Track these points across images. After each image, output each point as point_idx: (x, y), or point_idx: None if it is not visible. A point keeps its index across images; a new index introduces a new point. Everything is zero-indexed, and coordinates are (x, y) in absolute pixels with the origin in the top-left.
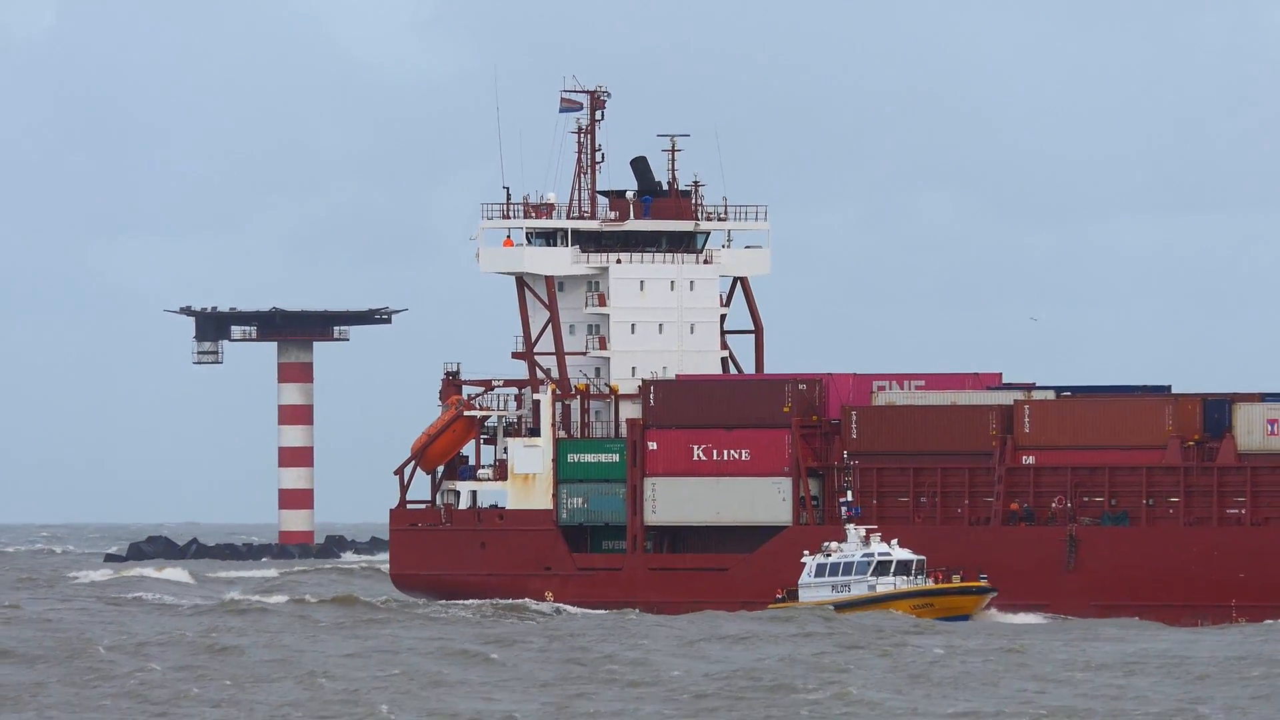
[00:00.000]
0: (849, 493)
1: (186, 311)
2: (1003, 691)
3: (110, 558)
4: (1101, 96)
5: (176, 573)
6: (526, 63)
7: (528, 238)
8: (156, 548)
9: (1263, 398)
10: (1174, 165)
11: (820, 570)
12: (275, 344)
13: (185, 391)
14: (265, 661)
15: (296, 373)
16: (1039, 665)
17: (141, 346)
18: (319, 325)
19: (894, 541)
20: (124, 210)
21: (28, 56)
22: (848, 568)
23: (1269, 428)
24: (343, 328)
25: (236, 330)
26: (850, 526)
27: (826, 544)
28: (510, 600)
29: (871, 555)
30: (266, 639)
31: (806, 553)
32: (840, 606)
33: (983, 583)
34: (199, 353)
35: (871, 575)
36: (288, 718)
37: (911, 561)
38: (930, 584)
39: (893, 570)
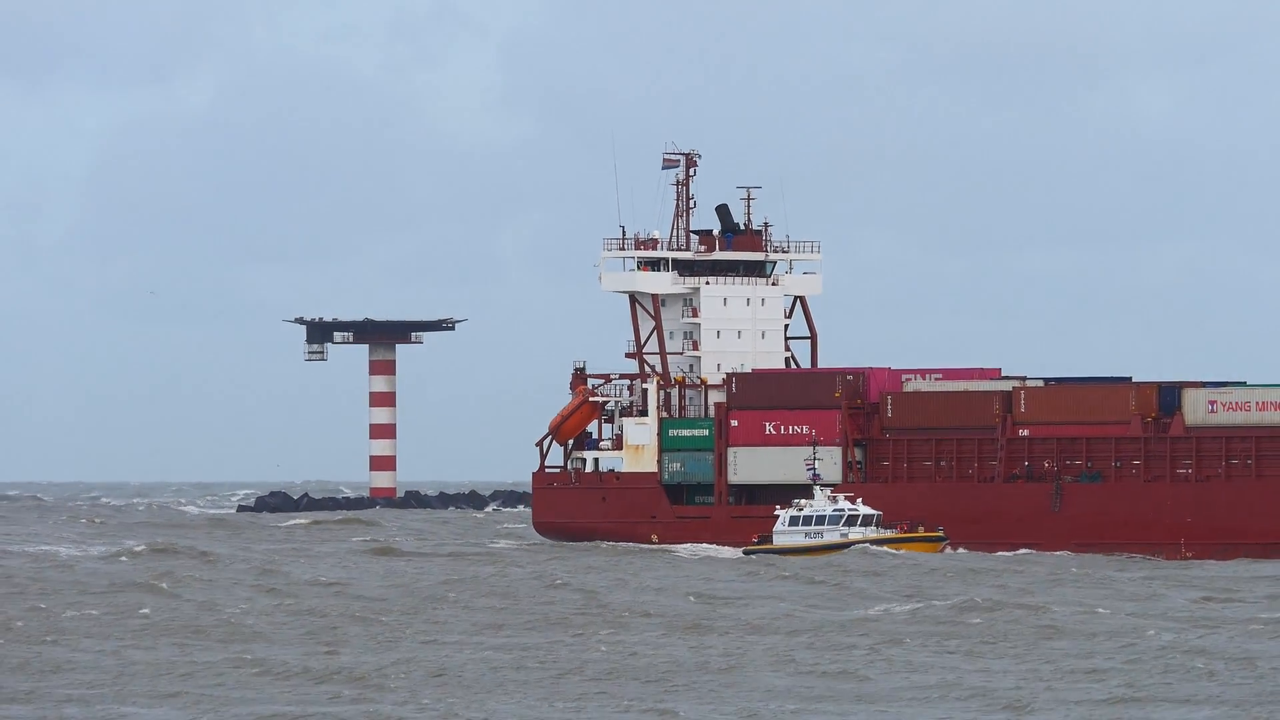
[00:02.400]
0: (815, 461)
1: (300, 321)
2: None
3: (242, 508)
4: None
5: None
6: (605, 131)
7: (637, 265)
8: (277, 500)
9: (1204, 385)
10: (1146, 202)
11: (794, 521)
12: (367, 346)
13: (298, 382)
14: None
15: (383, 368)
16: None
17: (267, 347)
18: (400, 331)
19: (858, 500)
20: (260, 242)
21: (196, 123)
22: (820, 519)
23: (1209, 407)
24: (418, 333)
25: (338, 335)
26: (816, 486)
27: (796, 500)
28: (624, 541)
29: (842, 510)
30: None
31: (779, 507)
32: (822, 549)
33: (939, 533)
34: (309, 353)
35: (844, 526)
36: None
37: (873, 515)
38: (894, 533)
39: (859, 522)
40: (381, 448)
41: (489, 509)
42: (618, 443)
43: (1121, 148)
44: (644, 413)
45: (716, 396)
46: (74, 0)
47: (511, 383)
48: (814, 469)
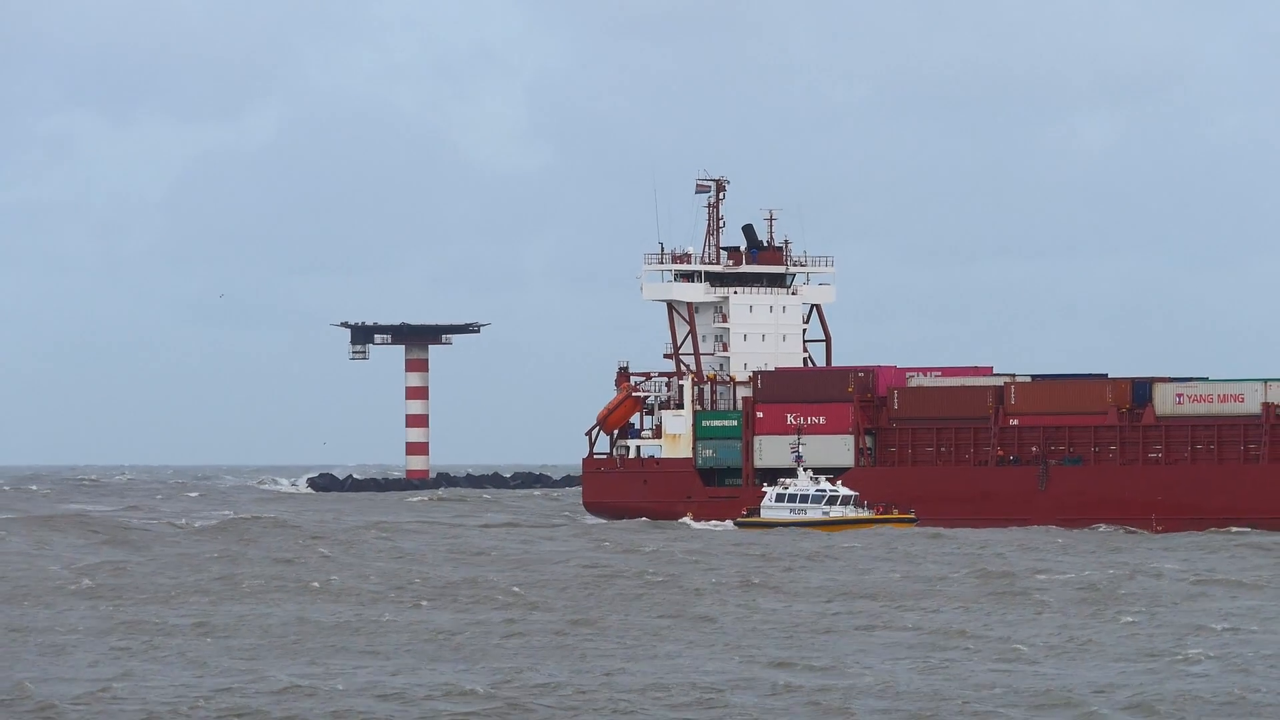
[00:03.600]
0: (800, 446)
1: (345, 325)
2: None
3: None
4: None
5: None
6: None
7: (674, 277)
8: (326, 480)
9: (1172, 380)
10: (1126, 223)
11: (779, 498)
12: (403, 346)
13: (343, 377)
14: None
15: (417, 365)
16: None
17: (316, 347)
18: (432, 334)
19: (838, 482)
20: (311, 256)
21: (260, 154)
22: (804, 497)
23: (1177, 399)
24: (448, 335)
25: (378, 337)
26: (799, 467)
27: (782, 479)
28: (662, 519)
29: (824, 490)
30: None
31: (766, 485)
32: (807, 524)
33: (910, 514)
34: (353, 352)
35: (825, 504)
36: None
37: (851, 496)
38: (871, 513)
39: (840, 501)
40: (416, 435)
41: (539, 492)
42: (657, 432)
43: (1067, 174)
44: (680, 406)
45: (744, 392)
46: (156, 46)
47: (529, 378)
48: (798, 453)
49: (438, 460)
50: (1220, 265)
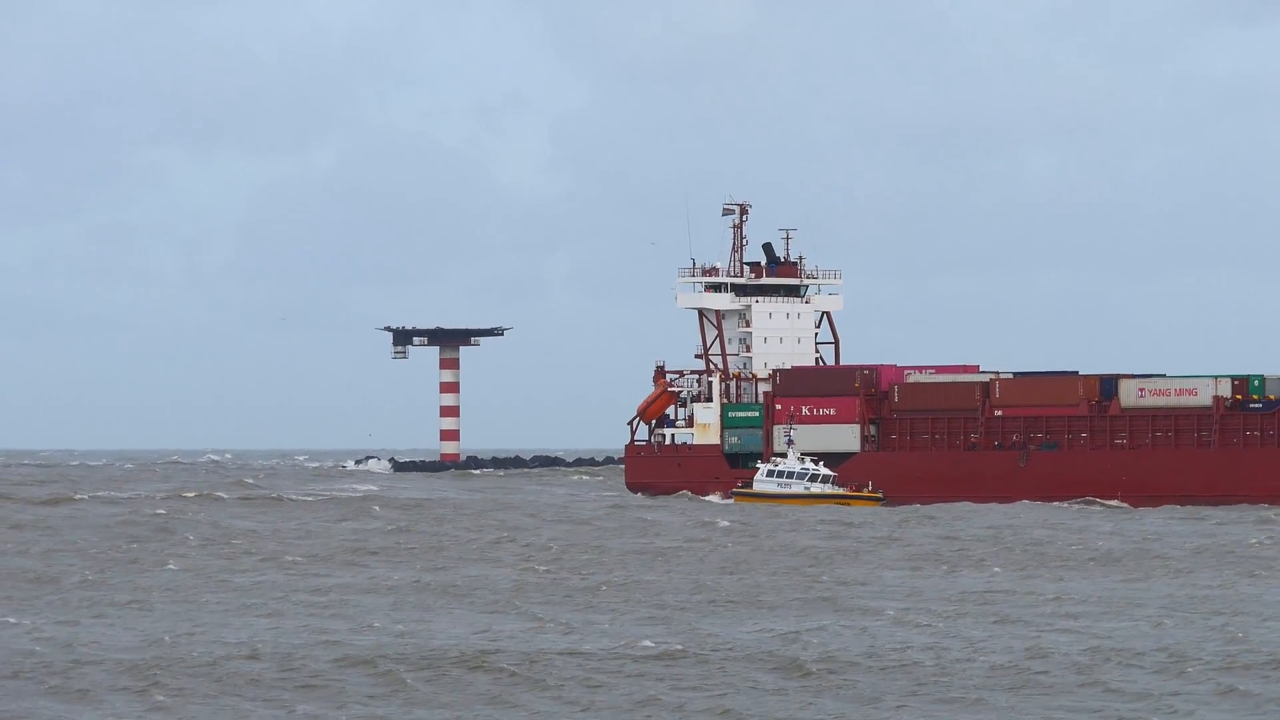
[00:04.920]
0: (791, 431)
1: (387, 329)
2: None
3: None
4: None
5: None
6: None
7: (704, 288)
8: (405, 465)
9: (1134, 376)
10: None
11: (770, 474)
12: (438, 347)
13: (386, 374)
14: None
15: (450, 364)
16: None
17: (362, 348)
18: (463, 336)
19: (820, 462)
20: (360, 269)
21: (322, 181)
22: (790, 474)
23: (1139, 393)
24: (476, 338)
25: (416, 339)
26: (789, 449)
27: (774, 458)
28: (693, 496)
29: (808, 469)
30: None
31: (760, 462)
32: (789, 497)
33: (878, 494)
34: (394, 353)
35: (808, 481)
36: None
37: (830, 476)
38: (844, 490)
39: (819, 480)
40: (449, 424)
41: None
42: (689, 422)
43: (1012, 200)
44: (709, 399)
45: (765, 387)
46: (233, 88)
47: (546, 374)
48: (789, 437)
49: (466, 445)
50: (1142, 277)
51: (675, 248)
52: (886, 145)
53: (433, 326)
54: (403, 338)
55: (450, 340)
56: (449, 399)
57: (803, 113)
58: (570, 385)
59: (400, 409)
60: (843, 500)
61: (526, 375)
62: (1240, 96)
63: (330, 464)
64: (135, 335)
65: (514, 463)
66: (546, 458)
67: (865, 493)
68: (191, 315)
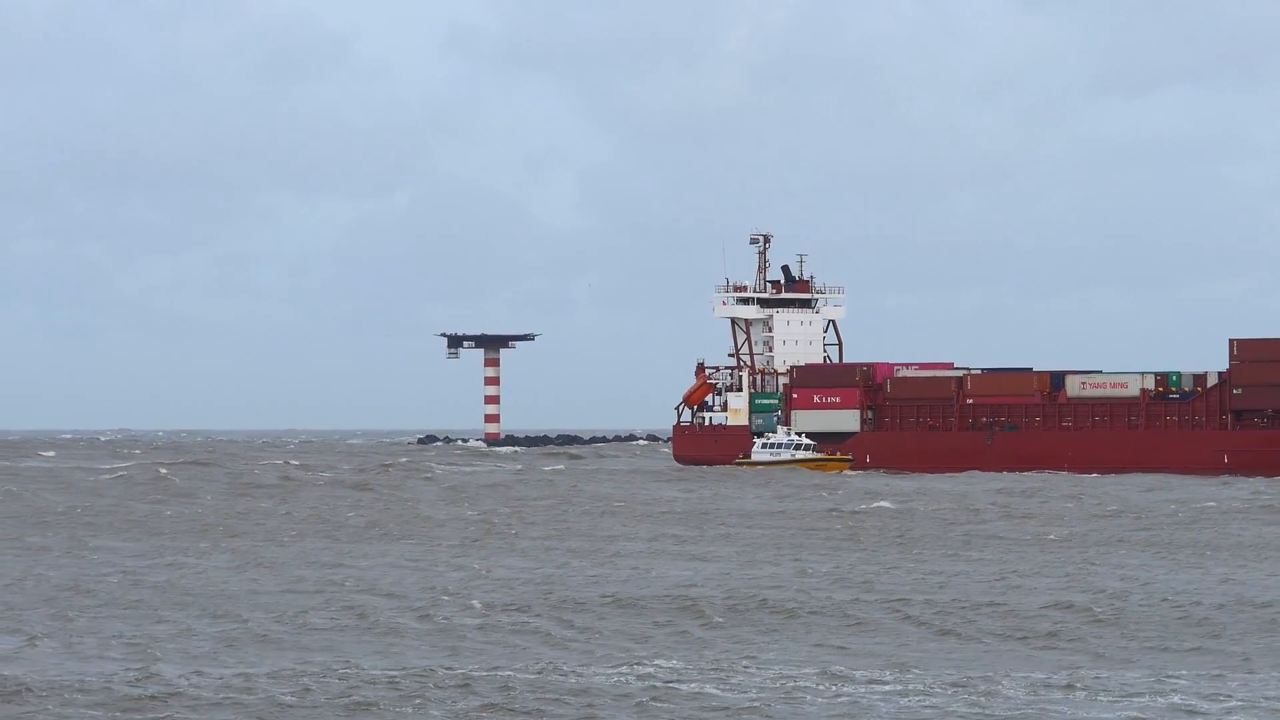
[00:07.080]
0: (780, 414)
1: (443, 335)
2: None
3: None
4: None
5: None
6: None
7: (736, 301)
8: (425, 443)
9: (1078, 372)
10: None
11: (765, 446)
12: (483, 350)
13: (440, 372)
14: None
15: (492, 363)
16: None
17: (425, 351)
18: (503, 341)
19: (803, 435)
20: (426, 288)
21: (399, 219)
22: (779, 445)
23: (1081, 385)
24: (513, 342)
25: (466, 343)
26: (779, 425)
27: (768, 433)
28: (726, 465)
29: (793, 440)
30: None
31: (757, 437)
32: (778, 463)
33: (847, 457)
34: (448, 354)
35: (793, 450)
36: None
37: (811, 444)
38: (821, 456)
39: (802, 448)
40: (490, 410)
41: (639, 442)
42: (724, 407)
43: (944, 236)
44: (740, 389)
45: (784, 380)
46: (329, 144)
47: (563, 370)
48: (779, 417)
49: (505, 427)
50: (1048, 294)
51: (687, 271)
52: (845, 189)
53: (479, 333)
54: (455, 342)
55: (493, 344)
56: (491, 390)
57: (785, 165)
58: (587, 380)
59: (453, 399)
60: (817, 464)
61: (552, 372)
62: (1127, 153)
63: (407, 442)
64: (245, 342)
65: (541, 441)
66: (568, 436)
67: (836, 457)
68: (293, 325)
